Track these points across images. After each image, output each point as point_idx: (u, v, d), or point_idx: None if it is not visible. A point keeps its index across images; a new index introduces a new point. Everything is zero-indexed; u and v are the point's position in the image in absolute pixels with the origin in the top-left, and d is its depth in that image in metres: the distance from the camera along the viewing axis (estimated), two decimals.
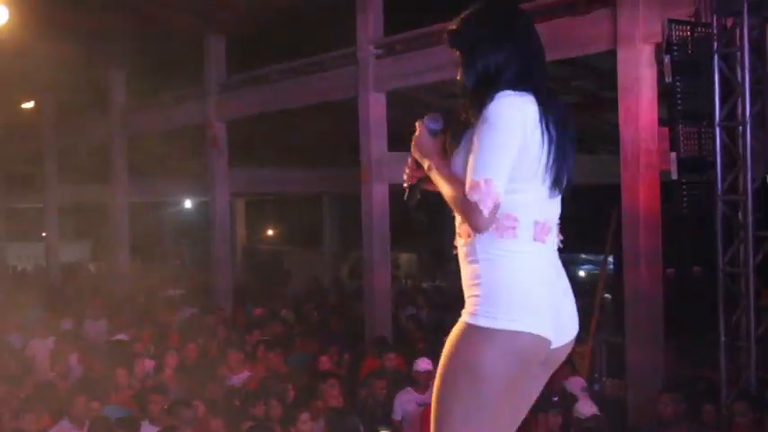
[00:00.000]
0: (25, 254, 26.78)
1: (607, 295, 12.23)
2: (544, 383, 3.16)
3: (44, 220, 21.75)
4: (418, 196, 3.24)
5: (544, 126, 2.90)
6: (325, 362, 10.34)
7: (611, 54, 8.75)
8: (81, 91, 18.92)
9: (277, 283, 19.28)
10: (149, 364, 10.54)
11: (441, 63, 10.61)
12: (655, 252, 8.59)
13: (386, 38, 11.89)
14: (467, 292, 3.00)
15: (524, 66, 2.98)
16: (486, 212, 2.83)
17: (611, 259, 11.73)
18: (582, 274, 19.94)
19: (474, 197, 2.83)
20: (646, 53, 8.40)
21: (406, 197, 3.24)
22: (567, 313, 3.06)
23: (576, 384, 8.96)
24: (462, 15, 3.11)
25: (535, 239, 2.96)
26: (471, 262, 2.98)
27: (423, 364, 8.95)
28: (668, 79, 7.90)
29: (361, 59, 11.88)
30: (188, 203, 26.78)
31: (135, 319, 13.87)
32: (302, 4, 13.40)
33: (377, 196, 11.82)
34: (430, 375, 8.82)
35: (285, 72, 13.57)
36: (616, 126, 8.77)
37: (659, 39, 8.05)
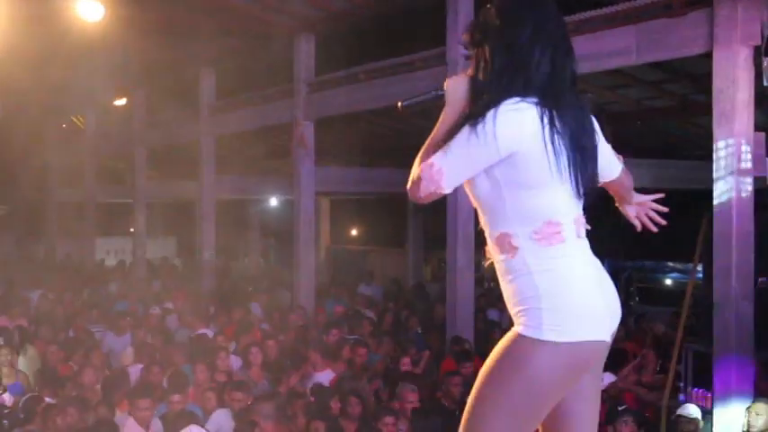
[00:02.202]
0: (113, 248, 27.29)
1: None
2: None
3: (132, 215, 22.12)
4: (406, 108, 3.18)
5: (552, 132, 2.84)
6: (406, 363, 10.31)
7: (706, 57, 8.56)
8: (172, 88, 19.22)
9: (359, 283, 19.30)
10: (234, 359, 10.62)
11: None
12: (746, 261, 8.37)
13: None
14: (519, 306, 2.95)
15: (532, 69, 2.89)
16: (421, 194, 2.92)
17: (699, 268, 11.47)
18: (669, 282, 19.63)
19: (424, 174, 2.89)
20: (743, 55, 8.19)
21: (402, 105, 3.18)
22: (614, 300, 3.04)
23: None
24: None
25: (579, 236, 2.98)
26: (523, 275, 2.94)
27: None
28: (766, 83, 7.71)
29: (451, 60, 11.81)
30: (273, 201, 26.99)
31: (217, 313, 14.01)
32: (392, 5, 13.39)
33: (463, 198, 11.74)
34: None
35: (374, 72, 13.55)
36: (708, 130, 8.58)
37: (758, 41, 7.86)
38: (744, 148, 8.25)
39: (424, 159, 2.92)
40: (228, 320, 13.37)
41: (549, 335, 2.85)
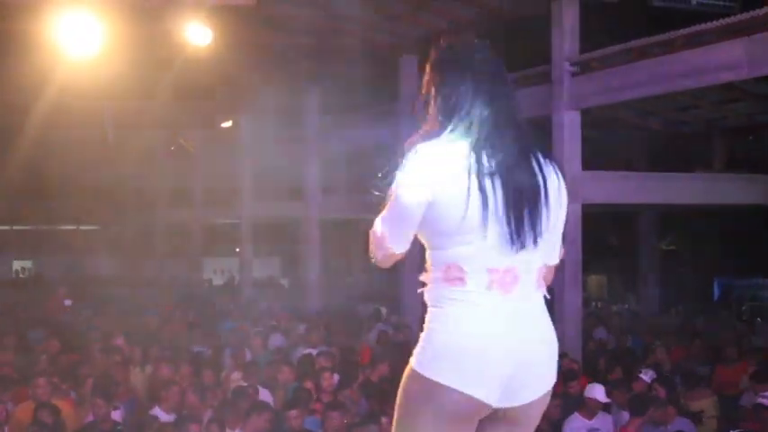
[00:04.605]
0: (220, 268, 27.71)
1: None
2: None
3: (239, 235, 22.39)
4: None
5: (480, 176, 2.73)
6: None
7: None
8: (276, 110, 19.45)
9: None
10: (336, 378, 10.60)
11: (640, 80, 10.36)
12: None
13: (582, 55, 11.65)
14: None
15: (464, 112, 2.83)
16: (377, 259, 2.96)
17: None
18: None
19: (371, 240, 2.93)
20: None
21: None
22: (529, 371, 2.87)
23: None
24: None
25: (490, 288, 2.80)
26: (428, 308, 2.90)
27: (595, 392, 8.59)
28: None
29: (556, 77, 11.69)
30: None
31: (325, 334, 14.02)
32: (496, 23, 13.34)
33: (570, 216, 11.59)
34: (599, 404, 8.52)
35: None
36: None
37: None
38: None
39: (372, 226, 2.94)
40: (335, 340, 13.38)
41: (416, 366, 2.85)
